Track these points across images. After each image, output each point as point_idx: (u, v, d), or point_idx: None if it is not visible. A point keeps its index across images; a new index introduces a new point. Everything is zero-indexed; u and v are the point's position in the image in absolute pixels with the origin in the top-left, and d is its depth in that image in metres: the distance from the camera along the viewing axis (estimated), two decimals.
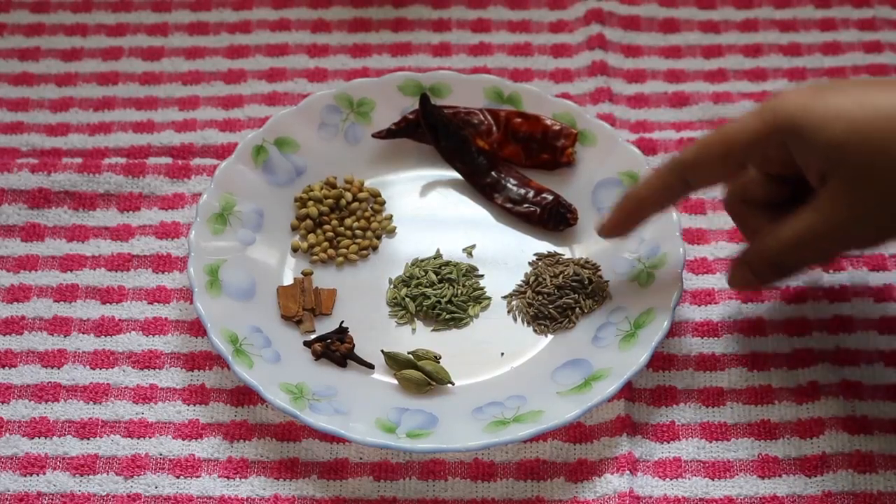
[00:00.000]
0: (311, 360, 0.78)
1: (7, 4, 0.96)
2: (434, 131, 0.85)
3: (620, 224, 0.77)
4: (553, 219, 0.83)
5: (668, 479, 0.74)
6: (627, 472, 0.74)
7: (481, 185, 0.85)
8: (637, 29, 0.95)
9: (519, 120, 0.85)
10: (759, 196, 0.74)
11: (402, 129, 0.86)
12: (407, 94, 0.87)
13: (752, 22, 0.96)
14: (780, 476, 0.74)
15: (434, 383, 0.76)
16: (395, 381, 0.77)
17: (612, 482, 0.74)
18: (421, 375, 0.76)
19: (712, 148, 0.72)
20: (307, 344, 0.78)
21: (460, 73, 0.87)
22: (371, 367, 0.78)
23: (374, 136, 0.86)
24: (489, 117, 0.86)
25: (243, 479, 0.74)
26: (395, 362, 0.77)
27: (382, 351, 0.77)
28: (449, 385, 0.77)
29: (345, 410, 0.74)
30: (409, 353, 0.77)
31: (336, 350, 0.78)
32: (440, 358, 0.77)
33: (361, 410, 0.75)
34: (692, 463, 0.75)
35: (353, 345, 0.78)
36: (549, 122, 0.85)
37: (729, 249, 0.83)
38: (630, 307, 0.78)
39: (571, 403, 0.74)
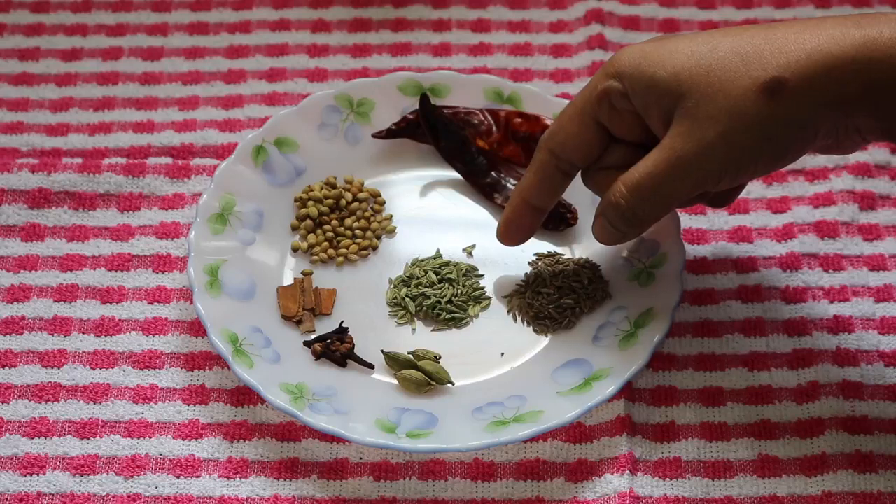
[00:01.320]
0: (311, 360, 0.78)
1: (7, 4, 0.96)
2: (434, 131, 0.85)
3: (513, 222, 0.77)
4: (553, 219, 0.83)
5: (668, 479, 0.74)
6: (627, 472, 0.74)
7: (481, 185, 0.85)
8: (637, 29, 0.95)
9: (519, 120, 0.86)
10: (617, 162, 0.74)
11: (402, 130, 0.86)
12: (407, 94, 0.87)
13: (753, 22, 0.95)
14: (780, 476, 0.74)
15: (434, 383, 0.76)
16: (395, 381, 0.77)
17: (612, 482, 0.74)
18: (421, 375, 0.76)
19: (567, 113, 0.74)
20: (307, 344, 0.78)
21: (460, 73, 0.87)
22: (371, 367, 0.78)
23: (374, 136, 0.86)
24: (489, 117, 0.86)
25: (243, 479, 0.74)
26: (395, 362, 0.77)
27: (382, 351, 0.77)
28: (449, 385, 0.77)
29: (345, 410, 0.74)
30: (409, 353, 0.77)
31: (336, 350, 0.78)
32: (440, 358, 0.77)
33: (361, 410, 0.75)
34: (692, 463, 0.75)
35: (353, 345, 0.78)
36: (549, 121, 0.85)
37: (729, 249, 0.83)
38: (630, 307, 0.78)
39: (571, 403, 0.74)
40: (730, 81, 0.68)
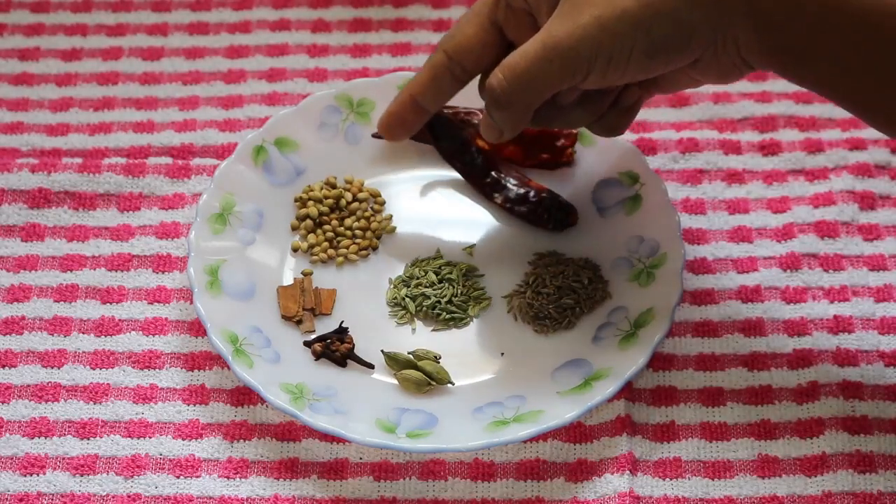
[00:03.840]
0: (311, 360, 0.78)
1: (7, 4, 0.96)
2: (434, 131, 0.85)
3: (395, 116, 0.77)
4: (553, 219, 0.83)
5: (668, 479, 0.74)
6: (627, 472, 0.74)
7: (481, 185, 0.85)
8: None
9: None
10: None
11: None
12: None
13: None
14: (780, 476, 0.74)
15: (434, 383, 0.76)
16: (395, 381, 0.77)
17: (612, 482, 0.74)
18: (421, 375, 0.76)
19: (465, 16, 0.74)
20: (307, 344, 0.78)
21: None
22: (371, 367, 0.78)
23: (374, 136, 0.86)
24: None
25: (243, 479, 0.74)
26: (395, 362, 0.77)
27: (382, 351, 0.77)
28: (449, 385, 0.77)
29: (345, 410, 0.74)
30: (409, 353, 0.77)
31: (336, 350, 0.78)
32: (440, 358, 0.77)
33: (361, 410, 0.75)
34: (692, 463, 0.75)
35: (353, 345, 0.78)
36: None
37: (729, 249, 0.83)
38: (630, 307, 0.78)
39: (571, 403, 0.74)
40: None
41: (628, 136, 0.87)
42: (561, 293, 0.80)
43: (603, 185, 0.84)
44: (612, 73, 0.69)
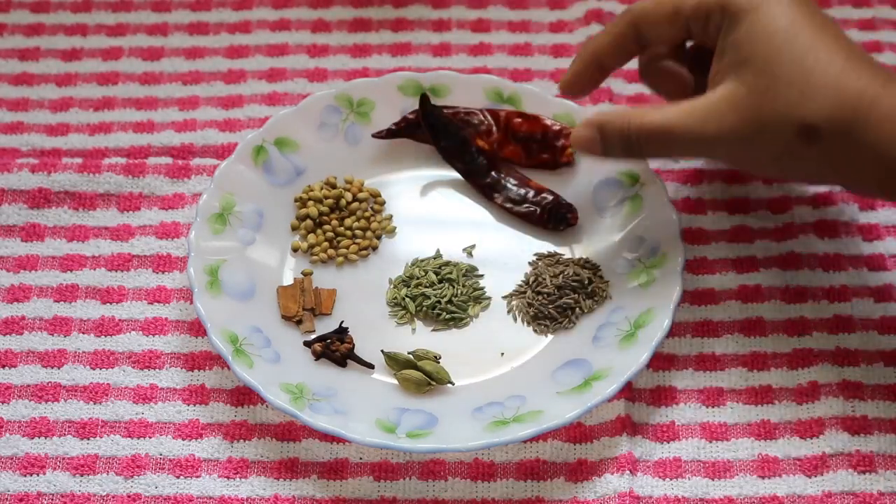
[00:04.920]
0: (311, 360, 0.78)
1: (7, 4, 0.96)
2: (434, 131, 0.85)
3: (580, 74, 0.80)
4: (553, 219, 0.83)
5: (668, 479, 0.74)
6: (627, 472, 0.74)
7: (481, 185, 0.85)
8: None
9: (519, 120, 0.86)
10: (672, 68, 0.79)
11: (402, 129, 0.86)
12: (407, 94, 0.87)
13: None
14: (780, 476, 0.74)
15: (434, 383, 0.76)
16: (396, 381, 0.77)
17: (612, 482, 0.74)
18: (421, 375, 0.76)
19: (664, 2, 0.76)
20: (307, 344, 0.78)
21: (460, 73, 0.87)
22: (371, 367, 0.78)
23: (374, 136, 0.86)
24: (489, 117, 0.86)
25: (243, 479, 0.74)
26: (395, 362, 0.77)
27: (382, 351, 0.78)
28: (449, 385, 0.77)
29: (345, 410, 0.74)
30: (409, 353, 0.77)
31: (336, 350, 0.78)
32: (440, 358, 0.77)
33: (361, 410, 0.75)
34: (692, 463, 0.75)
35: (353, 345, 0.78)
36: (548, 122, 0.85)
37: (729, 250, 0.83)
38: (630, 307, 0.78)
39: (571, 403, 0.74)
40: (782, 98, 0.70)
41: None
42: (561, 293, 0.80)
43: (603, 185, 0.84)
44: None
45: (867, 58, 0.72)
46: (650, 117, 0.74)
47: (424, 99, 0.85)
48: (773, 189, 0.86)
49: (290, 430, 0.76)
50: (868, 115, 0.69)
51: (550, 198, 0.83)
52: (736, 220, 0.85)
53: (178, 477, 0.75)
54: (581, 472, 0.74)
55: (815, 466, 0.74)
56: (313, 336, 0.79)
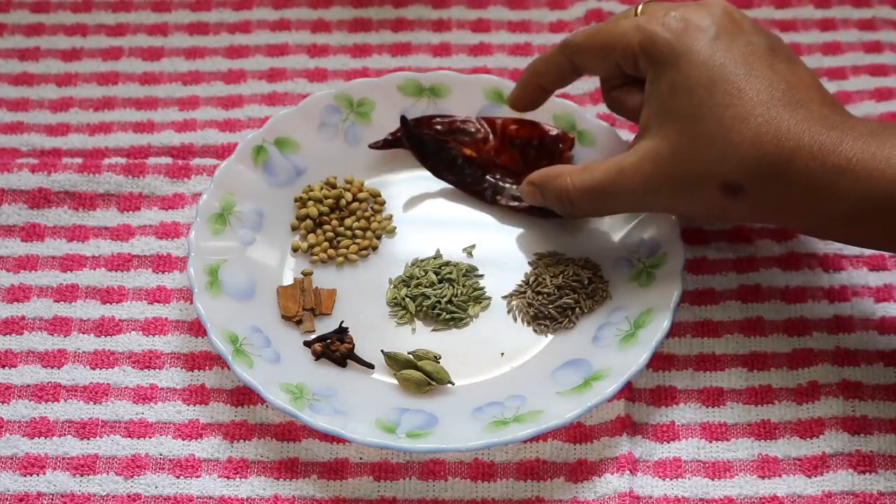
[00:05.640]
0: (311, 360, 0.78)
1: (7, 4, 0.96)
2: (418, 151, 0.85)
3: (522, 96, 0.83)
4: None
5: (668, 479, 0.74)
6: (627, 472, 0.74)
7: (480, 193, 0.85)
8: None
9: (515, 126, 0.85)
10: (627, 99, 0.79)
11: (399, 140, 0.86)
12: (407, 94, 0.87)
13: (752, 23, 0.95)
14: (780, 476, 0.74)
15: (434, 383, 0.76)
16: (395, 381, 0.77)
17: (612, 482, 0.74)
18: (421, 375, 0.76)
19: (595, 41, 0.77)
20: (307, 344, 0.78)
21: (460, 73, 0.87)
22: (371, 367, 0.78)
23: (370, 146, 0.86)
24: (485, 125, 0.86)
25: (243, 479, 0.74)
26: (395, 362, 0.77)
27: (382, 351, 0.77)
28: (449, 385, 0.77)
29: (345, 410, 0.74)
30: (409, 353, 0.77)
31: (336, 350, 0.78)
32: (440, 358, 0.77)
33: (361, 410, 0.75)
34: (692, 463, 0.75)
35: (353, 345, 0.78)
36: (545, 127, 0.85)
37: (728, 250, 0.83)
38: (630, 307, 0.78)
39: (571, 403, 0.74)
40: (703, 154, 0.71)
41: (628, 136, 0.87)
42: (561, 293, 0.80)
43: None
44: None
45: (798, 99, 0.71)
46: (581, 178, 0.76)
47: (404, 120, 0.84)
48: None
49: (290, 430, 0.76)
50: (788, 168, 0.69)
51: None
52: None
53: (178, 477, 0.75)
54: (581, 472, 0.74)
55: (815, 466, 0.74)
56: (313, 336, 0.79)
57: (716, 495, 0.74)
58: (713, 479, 0.74)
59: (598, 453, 0.75)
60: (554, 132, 0.85)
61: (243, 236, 0.81)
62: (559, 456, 0.75)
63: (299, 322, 0.79)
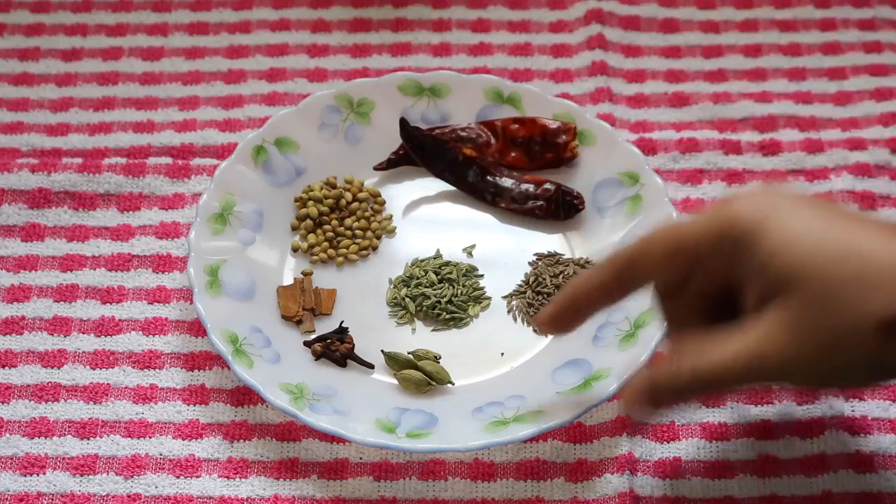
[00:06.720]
0: (311, 360, 0.78)
1: (7, 4, 0.96)
2: (420, 152, 0.85)
3: (556, 318, 0.71)
4: (562, 208, 0.83)
5: (668, 479, 0.74)
6: (627, 472, 0.74)
7: (481, 194, 0.85)
8: (637, 29, 0.95)
9: (515, 126, 0.86)
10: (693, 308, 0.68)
11: (402, 158, 0.86)
12: (407, 94, 0.87)
13: (752, 22, 0.96)
14: (780, 476, 0.74)
15: (434, 383, 0.76)
16: (395, 381, 0.77)
17: (612, 482, 0.74)
18: (421, 375, 0.76)
19: (658, 244, 0.67)
20: (307, 344, 0.78)
21: (460, 73, 0.88)
22: (371, 367, 0.78)
23: (375, 168, 0.86)
24: (485, 130, 0.86)
25: (243, 479, 0.74)
26: (395, 362, 0.77)
27: (382, 351, 0.78)
28: (449, 385, 0.77)
29: (344, 410, 0.74)
30: (409, 353, 0.77)
31: (336, 350, 0.78)
32: (440, 358, 0.77)
33: (361, 410, 0.75)
34: (692, 463, 0.75)
35: (353, 345, 0.78)
36: (545, 121, 0.85)
37: None
38: (630, 307, 0.78)
39: (571, 403, 0.74)
40: (843, 302, 0.61)
41: (628, 136, 0.87)
42: None
43: (603, 186, 0.84)
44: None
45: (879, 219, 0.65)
46: (700, 363, 0.64)
47: (403, 122, 0.84)
48: None
49: (290, 430, 0.76)
50: None
51: (553, 188, 0.83)
52: None
53: (178, 477, 0.75)
54: (581, 472, 0.75)
55: (815, 466, 0.74)
56: (313, 336, 0.79)
57: (716, 495, 0.74)
58: (713, 479, 0.74)
59: (598, 453, 0.75)
60: (554, 125, 0.85)
61: (243, 236, 0.81)
62: (559, 456, 0.75)
63: (299, 322, 0.79)
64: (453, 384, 0.77)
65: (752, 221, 0.63)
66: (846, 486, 0.74)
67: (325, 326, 0.80)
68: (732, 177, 0.86)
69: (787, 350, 0.62)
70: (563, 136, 0.85)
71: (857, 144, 0.88)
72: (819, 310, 0.61)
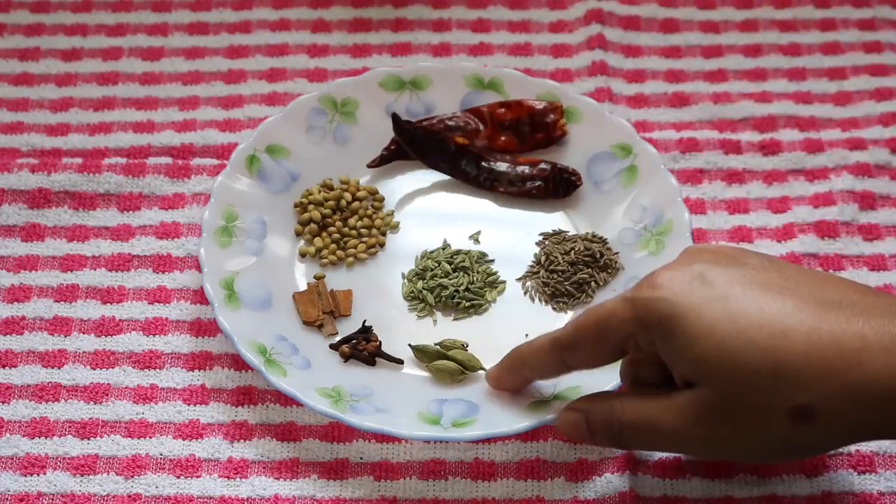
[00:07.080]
0: (339, 362, 0.78)
1: (7, 4, 0.96)
2: (414, 145, 0.85)
3: (503, 378, 0.74)
4: (561, 186, 0.83)
5: (668, 479, 0.74)
6: (627, 471, 0.74)
7: (478, 182, 0.85)
8: (637, 29, 0.95)
9: (502, 110, 0.86)
10: (648, 375, 0.70)
11: (394, 153, 0.86)
12: (389, 89, 0.87)
13: (752, 22, 0.96)
14: (780, 476, 0.74)
15: (467, 371, 0.76)
16: (427, 374, 0.77)
17: (612, 482, 0.74)
18: (454, 365, 0.76)
19: (586, 332, 0.69)
20: (334, 347, 0.78)
21: (439, 64, 0.88)
22: (400, 362, 0.77)
23: (368, 166, 0.86)
24: (472, 117, 0.86)
25: (243, 479, 0.74)
26: (424, 355, 0.77)
27: (410, 345, 0.77)
28: (481, 371, 0.76)
29: (385, 408, 0.74)
30: (435, 344, 0.77)
31: (364, 349, 0.78)
32: (468, 346, 0.77)
33: (401, 406, 0.75)
34: (692, 463, 0.75)
35: (380, 342, 0.78)
36: (531, 102, 0.86)
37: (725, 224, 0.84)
38: (644, 275, 0.77)
39: (606, 375, 0.73)
40: (756, 392, 0.63)
41: (615, 111, 0.88)
42: (575, 269, 0.80)
43: (596, 160, 0.84)
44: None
45: (831, 297, 0.64)
46: (632, 411, 0.68)
47: (395, 117, 0.85)
48: (772, 188, 0.86)
49: (290, 430, 0.76)
50: (860, 373, 0.62)
51: (548, 167, 0.84)
52: (736, 220, 0.85)
53: (178, 477, 0.74)
54: (581, 471, 0.74)
55: (815, 466, 0.74)
56: (337, 338, 0.79)
57: (716, 495, 0.74)
58: (713, 479, 0.74)
59: (599, 453, 0.75)
60: (541, 105, 0.86)
61: (251, 247, 0.81)
62: (559, 455, 0.75)
63: (321, 326, 0.79)
64: (485, 370, 0.76)
65: (668, 310, 0.65)
66: (846, 486, 0.74)
67: (345, 328, 0.79)
68: (732, 177, 0.87)
69: (702, 432, 0.65)
70: (552, 116, 0.85)
71: (857, 144, 0.88)
72: (734, 401, 0.64)
